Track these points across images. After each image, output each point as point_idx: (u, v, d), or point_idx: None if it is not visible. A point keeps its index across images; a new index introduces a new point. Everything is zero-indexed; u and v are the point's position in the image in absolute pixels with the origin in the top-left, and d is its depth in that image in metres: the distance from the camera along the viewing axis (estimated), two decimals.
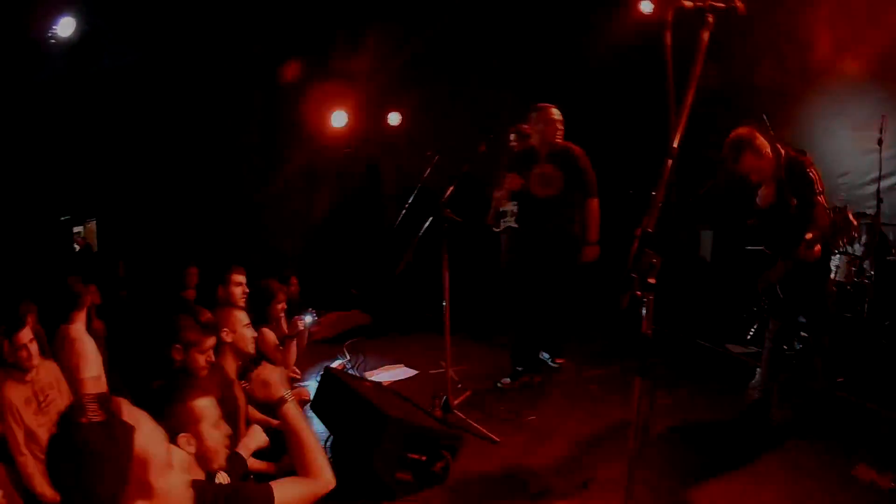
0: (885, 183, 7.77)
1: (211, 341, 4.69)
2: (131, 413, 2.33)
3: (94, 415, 2.22)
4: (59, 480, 2.21)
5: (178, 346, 4.47)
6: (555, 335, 7.78)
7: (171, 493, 2.38)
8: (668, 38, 3.16)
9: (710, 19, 3.21)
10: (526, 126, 9.77)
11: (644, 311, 2.93)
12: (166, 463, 2.37)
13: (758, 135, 5.63)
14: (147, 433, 2.33)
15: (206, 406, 3.54)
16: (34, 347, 4.99)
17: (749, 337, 8.26)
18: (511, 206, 9.82)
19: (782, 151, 5.67)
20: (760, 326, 8.06)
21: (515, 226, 9.79)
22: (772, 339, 5.94)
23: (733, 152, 5.66)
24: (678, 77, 3.07)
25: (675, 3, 3.19)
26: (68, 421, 2.23)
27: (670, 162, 3.09)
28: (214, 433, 3.44)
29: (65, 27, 8.66)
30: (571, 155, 7.25)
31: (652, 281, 2.88)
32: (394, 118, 12.43)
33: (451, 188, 6.62)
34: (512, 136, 9.86)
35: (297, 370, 7.37)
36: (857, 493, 4.85)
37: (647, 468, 4.96)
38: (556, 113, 7.28)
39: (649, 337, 2.96)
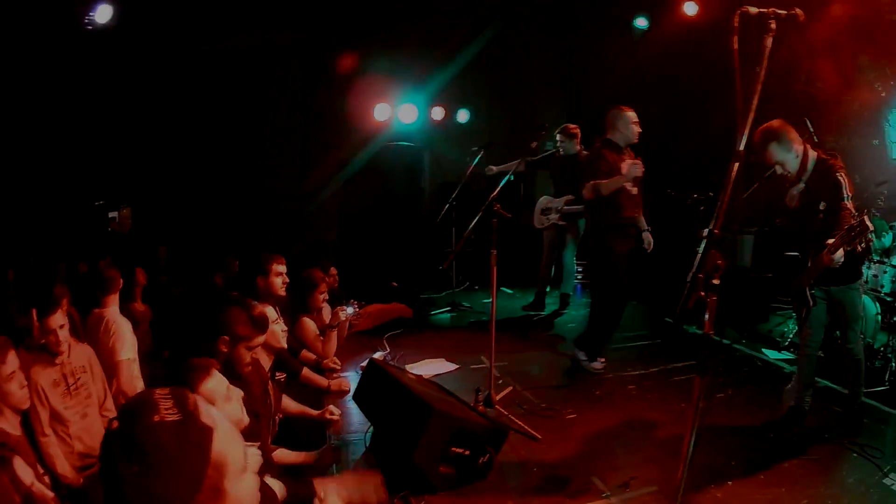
0: None
1: (260, 339, 4.70)
2: (208, 412, 2.09)
3: (168, 413, 1.97)
4: (114, 480, 1.91)
5: (226, 338, 4.47)
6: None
7: (244, 499, 2.18)
8: (736, 44, 3.17)
9: (773, 25, 3.22)
10: (573, 126, 9.82)
11: (707, 312, 2.93)
12: (242, 467, 2.16)
13: (790, 130, 5.64)
14: (225, 435, 2.10)
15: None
16: (64, 333, 5.01)
17: (787, 342, 8.21)
18: (556, 204, 9.86)
19: (813, 153, 5.66)
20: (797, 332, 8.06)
21: (562, 223, 9.84)
22: (806, 346, 5.92)
23: (761, 142, 5.66)
24: (719, 81, 3.10)
25: (741, 8, 3.21)
26: (135, 417, 1.96)
27: (737, 164, 3.10)
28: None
29: (102, 14, 8.72)
30: None
31: (716, 282, 2.88)
32: (437, 112, 12.43)
33: (503, 183, 6.61)
34: (559, 137, 9.91)
35: (337, 361, 7.40)
36: (891, 502, 4.83)
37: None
38: (635, 115, 7.38)
39: (711, 337, 2.96)
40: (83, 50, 9.07)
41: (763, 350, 8.20)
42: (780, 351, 8.12)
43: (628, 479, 5.16)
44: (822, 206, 5.53)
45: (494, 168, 10.36)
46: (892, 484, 5.04)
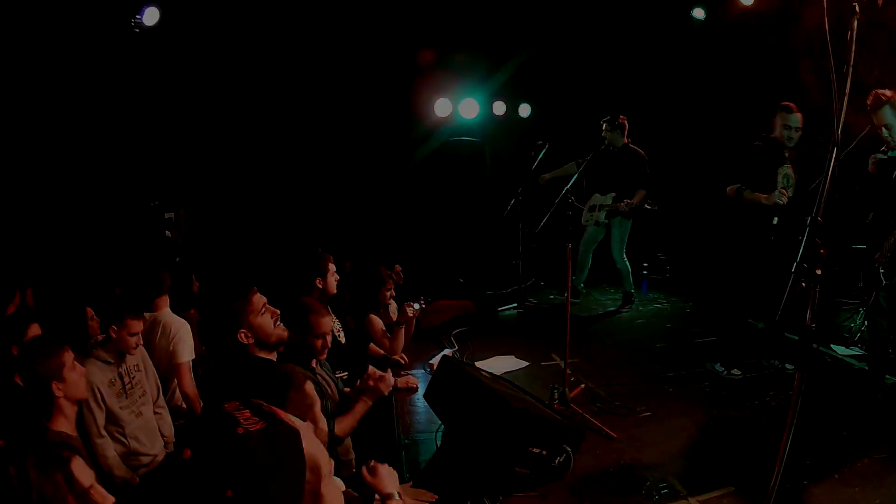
0: None
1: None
2: (288, 416, 2.00)
3: (249, 423, 1.86)
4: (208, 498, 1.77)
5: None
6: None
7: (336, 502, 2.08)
8: (827, 25, 3.08)
9: (857, 8, 3.14)
10: (621, 117, 9.61)
11: (809, 303, 2.80)
12: (330, 470, 2.05)
13: None
14: (310, 437, 2.00)
15: (313, 389, 3.51)
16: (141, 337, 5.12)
17: (856, 337, 7.96)
18: (601, 201, 9.69)
19: None
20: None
21: (606, 221, 9.65)
22: (875, 338, 5.77)
23: (875, 103, 5.74)
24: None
25: None
26: (216, 437, 1.84)
27: (835, 150, 2.97)
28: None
29: (150, 16, 8.75)
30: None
31: (819, 272, 2.75)
32: (498, 107, 12.33)
33: (576, 175, 6.50)
34: (604, 127, 9.71)
35: (405, 357, 7.34)
36: None
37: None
38: (796, 118, 7.07)
39: (812, 329, 2.83)
40: (129, 51, 9.09)
41: (832, 346, 7.95)
42: (848, 347, 7.86)
43: (705, 478, 5.03)
44: None
45: (547, 175, 10.24)
46: None
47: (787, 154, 7.11)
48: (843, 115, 3.00)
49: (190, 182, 10.81)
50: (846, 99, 3.01)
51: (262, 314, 4.21)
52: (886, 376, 5.96)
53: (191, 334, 6.02)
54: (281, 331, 4.32)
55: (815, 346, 2.87)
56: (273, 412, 1.95)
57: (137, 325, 5.06)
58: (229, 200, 11.19)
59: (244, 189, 11.24)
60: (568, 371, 6.50)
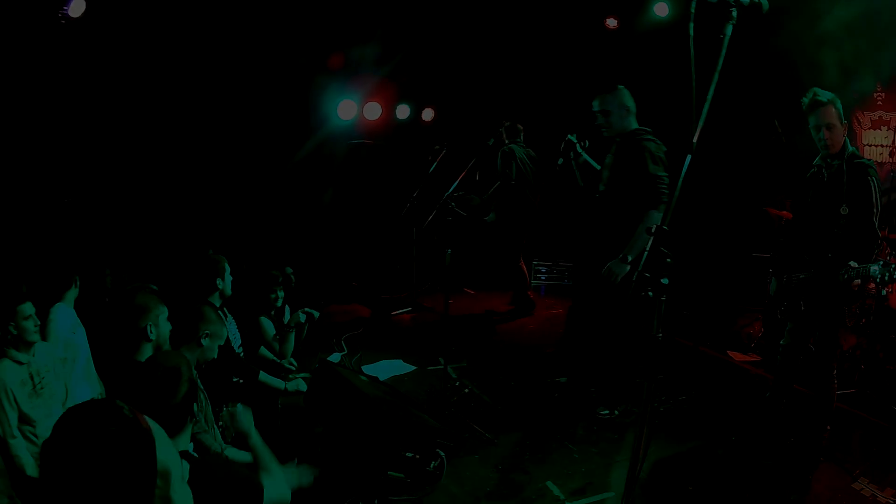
0: None
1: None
2: (146, 418, 2.02)
3: (107, 423, 1.88)
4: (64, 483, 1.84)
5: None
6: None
7: None
8: (692, 30, 3.11)
9: (734, 14, 3.14)
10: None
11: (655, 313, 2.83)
12: (181, 475, 2.15)
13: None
14: (163, 441, 2.08)
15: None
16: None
17: (752, 345, 8.15)
18: None
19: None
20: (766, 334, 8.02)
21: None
22: (781, 354, 5.70)
23: (818, 100, 5.24)
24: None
25: None
26: (72, 433, 1.87)
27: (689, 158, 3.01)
28: None
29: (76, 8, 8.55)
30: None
31: (663, 281, 2.78)
32: (402, 111, 12.30)
33: (458, 181, 6.47)
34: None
35: (294, 362, 7.24)
36: None
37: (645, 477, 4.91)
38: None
39: (659, 339, 2.86)
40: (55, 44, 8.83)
41: (728, 352, 8.13)
42: (746, 353, 8.05)
43: (584, 484, 5.09)
44: (843, 209, 5.17)
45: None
46: (862, 489, 4.99)
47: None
48: (700, 124, 3.03)
49: (86, 178, 10.49)
50: (706, 106, 3.02)
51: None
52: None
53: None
54: None
55: (661, 354, 2.86)
56: (133, 417, 1.95)
57: (28, 308, 4.87)
58: (121, 198, 10.89)
59: (137, 187, 10.94)
60: (453, 375, 6.50)
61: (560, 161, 6.88)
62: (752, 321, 8.75)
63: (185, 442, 3.08)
